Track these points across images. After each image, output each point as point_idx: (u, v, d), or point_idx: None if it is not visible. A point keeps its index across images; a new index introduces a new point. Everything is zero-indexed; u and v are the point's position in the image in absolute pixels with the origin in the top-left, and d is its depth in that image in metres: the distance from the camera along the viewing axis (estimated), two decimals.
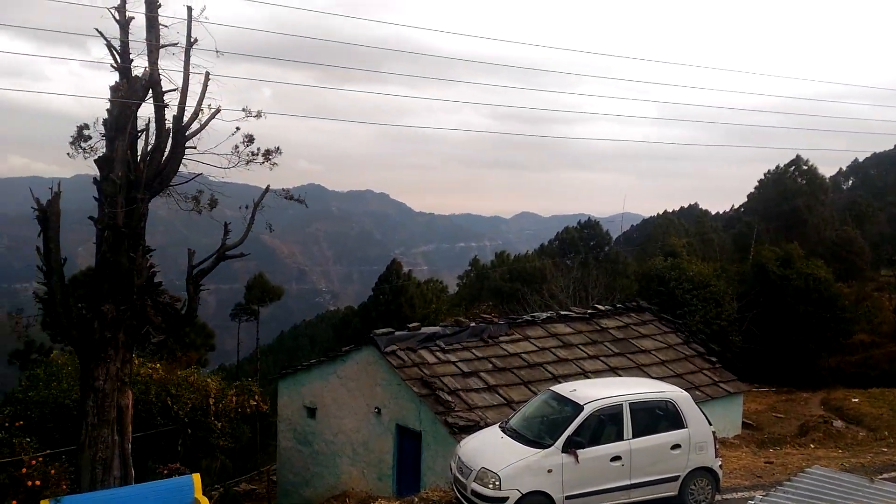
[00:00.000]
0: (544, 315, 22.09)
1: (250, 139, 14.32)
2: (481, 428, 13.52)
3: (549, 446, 10.53)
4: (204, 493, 12.03)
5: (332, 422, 19.26)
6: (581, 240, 55.36)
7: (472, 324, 20.05)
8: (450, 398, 16.03)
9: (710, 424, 11.57)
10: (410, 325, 19.09)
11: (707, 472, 11.33)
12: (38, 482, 12.73)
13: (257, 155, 14.51)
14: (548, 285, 38.74)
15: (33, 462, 13.49)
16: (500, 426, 11.92)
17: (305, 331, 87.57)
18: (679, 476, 11.07)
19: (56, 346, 32.62)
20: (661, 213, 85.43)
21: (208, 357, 34.43)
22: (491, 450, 11.03)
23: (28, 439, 16.07)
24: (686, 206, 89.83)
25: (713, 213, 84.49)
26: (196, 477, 12.16)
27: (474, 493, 10.38)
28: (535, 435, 11.09)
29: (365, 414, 18.09)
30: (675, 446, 11.07)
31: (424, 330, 18.85)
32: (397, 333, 18.27)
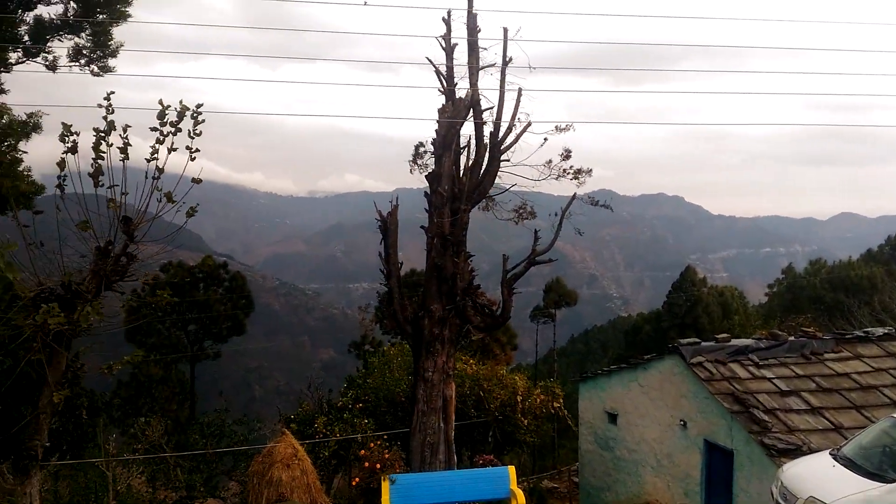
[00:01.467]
0: (881, 331, 19.21)
1: (567, 154, 14.88)
2: (804, 453, 12.31)
3: (894, 481, 9.22)
4: None
5: (633, 430, 19.00)
6: None
7: (791, 338, 18.25)
8: (766, 417, 14.79)
9: None
10: (718, 337, 18.02)
11: None
12: (377, 465, 14.54)
13: (568, 172, 15.02)
14: (879, 296, 33.66)
15: (372, 445, 15.45)
16: (830, 453, 10.76)
17: (597, 335, 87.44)
18: None
19: (385, 339, 37.22)
20: None
21: (512, 356, 36.35)
22: (821, 478, 9.99)
23: (366, 420, 18.56)
24: None
25: None
26: (511, 469, 12.94)
27: None
28: (876, 467, 9.79)
29: (669, 425, 17.51)
30: None
31: (735, 342, 17.65)
32: (703, 344, 17.37)
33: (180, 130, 9.83)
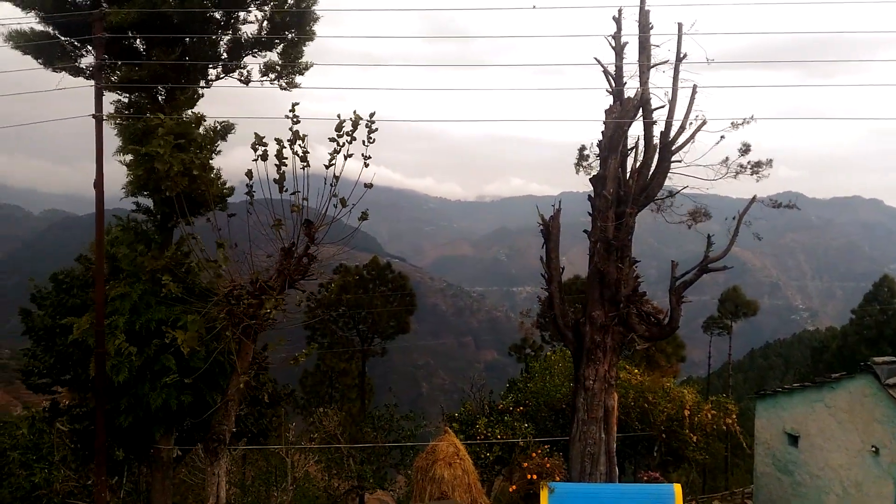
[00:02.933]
0: None
1: (746, 149, 13.88)
2: None
3: None
4: None
5: (817, 454, 17.35)
6: None
7: None
8: None
9: None
10: None
11: None
12: (533, 476, 14.37)
13: (746, 167, 13.98)
14: None
15: (534, 455, 15.31)
16: None
17: (779, 350, 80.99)
18: None
19: (545, 344, 36.97)
20: None
21: (679, 367, 34.60)
22: None
23: (526, 425, 18.50)
24: None
25: None
26: (677, 488, 12.29)
27: None
28: None
29: (858, 451, 15.83)
30: None
31: None
32: None
33: (355, 139, 10.43)
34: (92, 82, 12.76)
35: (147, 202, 13.74)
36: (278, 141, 10.31)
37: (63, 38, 13.43)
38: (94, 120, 12.25)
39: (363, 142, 10.46)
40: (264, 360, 12.18)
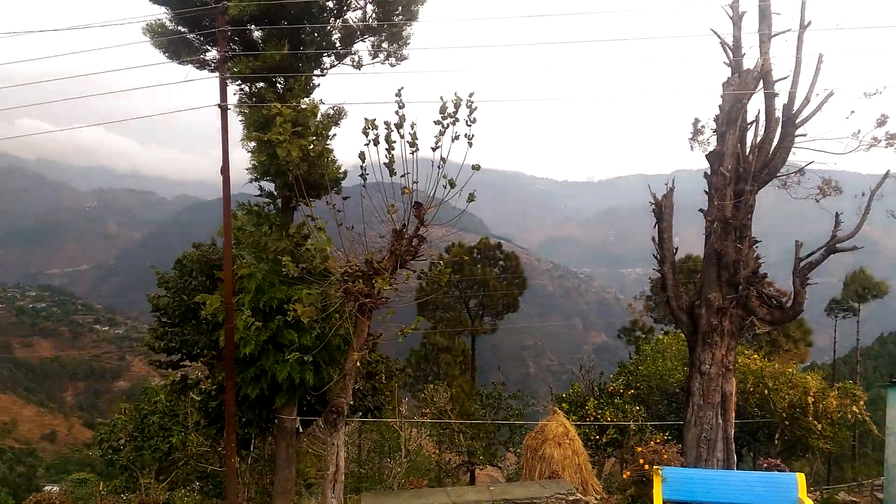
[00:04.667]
0: None
1: (883, 119, 12.86)
2: None
3: None
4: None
5: None
6: None
7: None
8: None
9: None
10: None
11: None
12: (646, 466, 14.08)
13: (880, 140, 12.96)
14: None
15: (651, 443, 15.01)
16: None
17: None
18: None
19: (657, 327, 36.03)
20: None
21: (807, 353, 32.70)
22: None
23: (637, 408, 18.18)
24: None
25: None
26: (800, 477, 11.73)
27: None
28: None
29: None
30: None
31: None
32: None
33: (458, 120, 10.55)
34: (215, 75, 13.59)
35: (269, 186, 14.51)
36: (386, 125, 10.58)
37: (189, 33, 14.31)
38: (219, 110, 13.04)
39: (466, 122, 10.55)
40: (378, 337, 12.62)
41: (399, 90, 10.54)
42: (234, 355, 13.17)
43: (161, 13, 13.95)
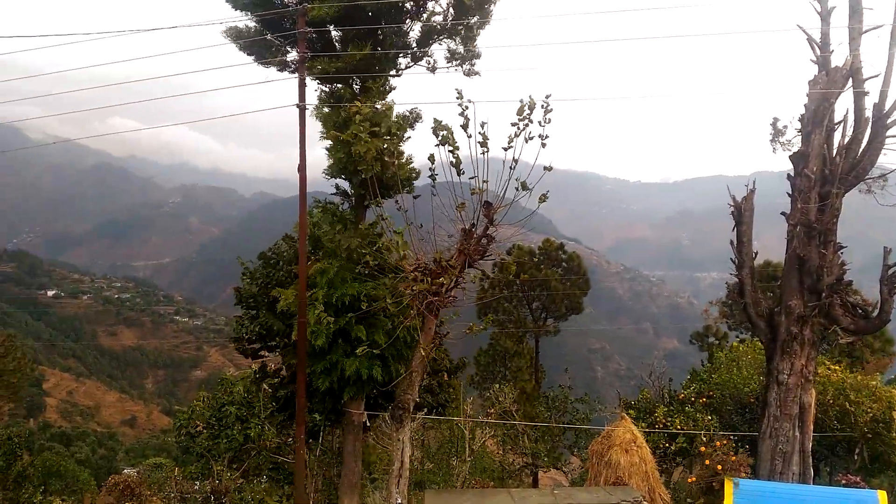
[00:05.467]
0: None
1: None
2: None
3: None
4: None
5: None
6: None
7: None
8: None
9: None
10: None
11: None
12: (720, 465, 13.67)
13: None
14: None
15: (718, 444, 14.59)
16: None
17: None
18: None
19: (731, 334, 34.88)
20: None
21: (888, 363, 30.97)
22: None
23: (710, 417, 17.66)
24: None
25: None
26: (882, 495, 11.16)
27: None
28: None
29: None
30: None
31: None
32: None
33: (531, 122, 10.53)
34: (294, 76, 13.99)
35: (344, 185, 14.84)
36: (447, 127, 10.68)
37: (269, 35, 14.77)
38: (297, 110, 13.43)
39: (539, 123, 10.52)
40: (445, 335, 12.73)
41: (459, 92, 10.61)
42: (305, 348, 13.54)
43: (243, 16, 14.47)
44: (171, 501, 16.14)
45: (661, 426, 17.43)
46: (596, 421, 20.77)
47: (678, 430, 17.12)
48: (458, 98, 10.48)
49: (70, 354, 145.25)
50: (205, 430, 21.53)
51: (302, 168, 13.55)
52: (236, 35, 14.36)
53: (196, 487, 19.02)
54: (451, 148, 10.75)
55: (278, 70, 15.05)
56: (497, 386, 24.21)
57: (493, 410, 21.90)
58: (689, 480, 14.56)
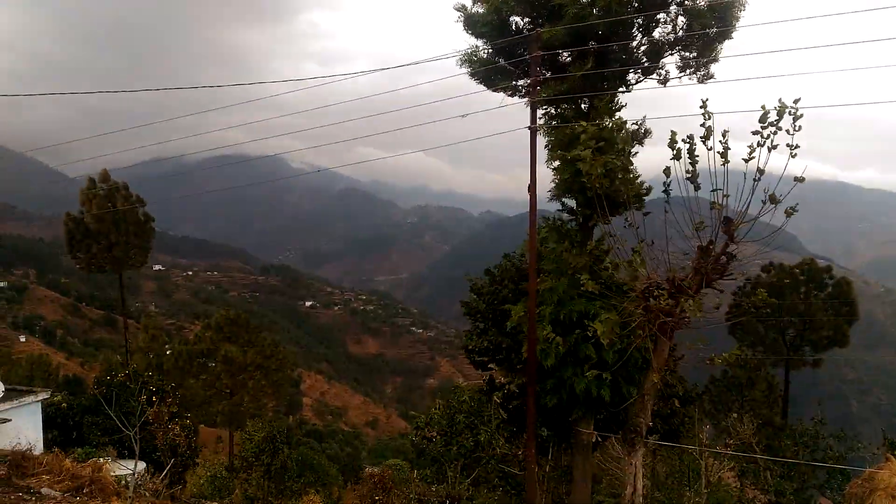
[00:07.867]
0: None
1: None
2: None
3: None
4: None
5: None
6: None
7: None
8: None
9: None
10: None
11: None
12: None
13: None
14: None
15: None
16: None
17: None
18: None
19: None
20: None
21: None
22: None
23: None
24: None
25: None
26: None
27: None
28: None
29: None
30: None
31: None
32: None
33: (780, 129, 9.75)
34: (525, 100, 14.38)
35: (570, 203, 14.92)
36: (690, 138, 10.23)
37: (502, 61, 15.36)
38: (528, 132, 13.79)
39: (787, 131, 9.72)
40: (680, 358, 12.18)
41: (704, 101, 10.12)
42: (535, 365, 13.77)
43: (478, 44, 15.19)
44: (410, 502, 17.20)
45: None
46: (853, 461, 18.42)
47: None
48: (701, 108, 10.06)
49: (323, 359, 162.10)
50: (438, 437, 22.67)
51: (532, 187, 13.85)
52: (473, 62, 15.04)
53: (433, 490, 20.05)
54: (690, 160, 10.35)
55: (509, 95, 15.53)
56: (735, 415, 22.49)
57: (731, 441, 20.38)
58: None
